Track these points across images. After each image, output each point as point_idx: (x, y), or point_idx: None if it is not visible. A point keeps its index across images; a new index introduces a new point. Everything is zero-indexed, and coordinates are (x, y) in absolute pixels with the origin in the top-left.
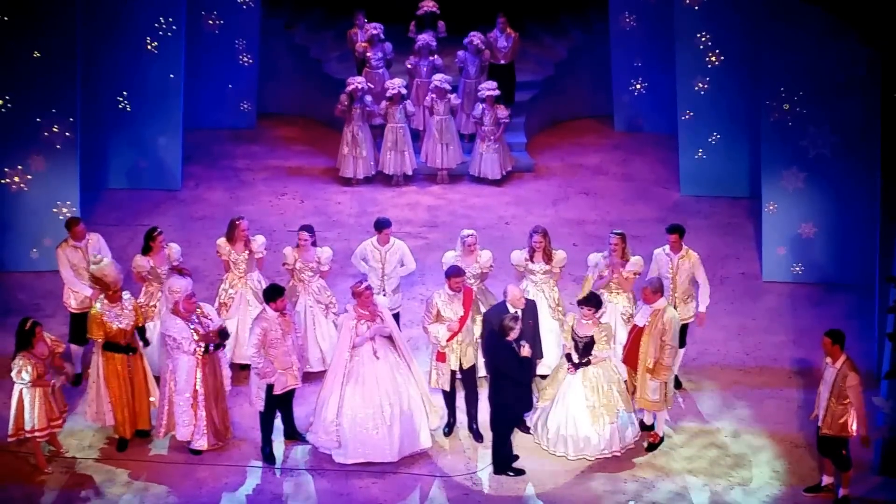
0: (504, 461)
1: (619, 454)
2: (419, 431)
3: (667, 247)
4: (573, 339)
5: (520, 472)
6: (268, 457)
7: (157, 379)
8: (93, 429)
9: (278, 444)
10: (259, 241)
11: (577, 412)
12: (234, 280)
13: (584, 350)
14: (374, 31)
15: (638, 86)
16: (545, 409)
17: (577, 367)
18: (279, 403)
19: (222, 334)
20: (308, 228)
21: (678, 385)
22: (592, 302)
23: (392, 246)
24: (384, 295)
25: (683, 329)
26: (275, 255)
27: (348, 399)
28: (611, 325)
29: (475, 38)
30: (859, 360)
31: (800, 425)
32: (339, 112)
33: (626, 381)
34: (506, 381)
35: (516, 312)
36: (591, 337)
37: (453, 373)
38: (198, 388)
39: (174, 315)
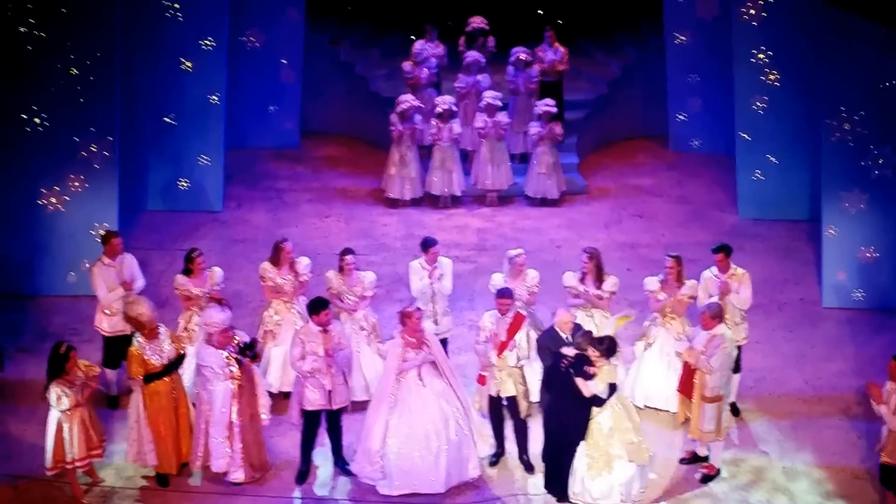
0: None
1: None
2: (467, 460)
3: (714, 268)
4: None
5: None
6: (300, 475)
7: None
8: None
9: (325, 470)
10: (304, 263)
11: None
12: (279, 306)
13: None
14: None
15: (694, 105)
16: None
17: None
18: (328, 426)
19: (249, 346)
20: (351, 251)
21: (736, 412)
22: (605, 346)
23: (439, 266)
24: (434, 320)
25: (738, 353)
26: (318, 278)
27: (393, 428)
28: (617, 371)
29: (520, 52)
30: None
31: (861, 457)
32: (397, 134)
33: (675, 413)
34: (562, 406)
35: (567, 337)
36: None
37: (495, 399)
38: (233, 419)
39: (208, 345)
